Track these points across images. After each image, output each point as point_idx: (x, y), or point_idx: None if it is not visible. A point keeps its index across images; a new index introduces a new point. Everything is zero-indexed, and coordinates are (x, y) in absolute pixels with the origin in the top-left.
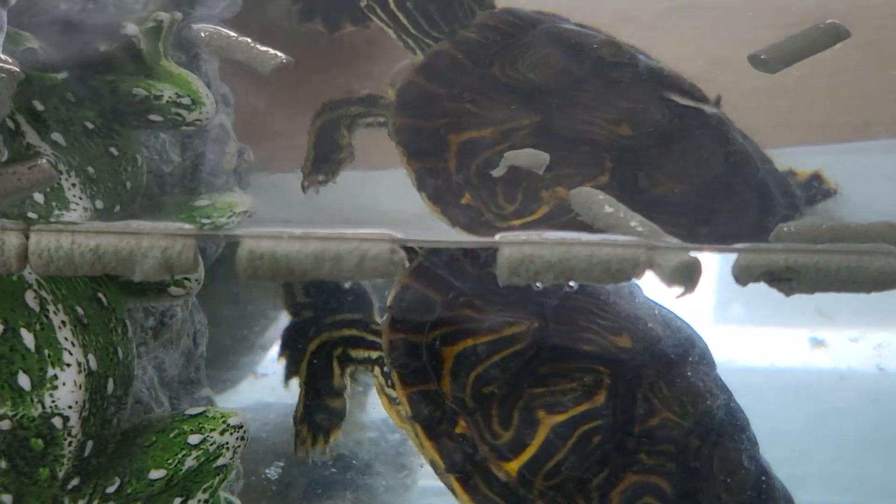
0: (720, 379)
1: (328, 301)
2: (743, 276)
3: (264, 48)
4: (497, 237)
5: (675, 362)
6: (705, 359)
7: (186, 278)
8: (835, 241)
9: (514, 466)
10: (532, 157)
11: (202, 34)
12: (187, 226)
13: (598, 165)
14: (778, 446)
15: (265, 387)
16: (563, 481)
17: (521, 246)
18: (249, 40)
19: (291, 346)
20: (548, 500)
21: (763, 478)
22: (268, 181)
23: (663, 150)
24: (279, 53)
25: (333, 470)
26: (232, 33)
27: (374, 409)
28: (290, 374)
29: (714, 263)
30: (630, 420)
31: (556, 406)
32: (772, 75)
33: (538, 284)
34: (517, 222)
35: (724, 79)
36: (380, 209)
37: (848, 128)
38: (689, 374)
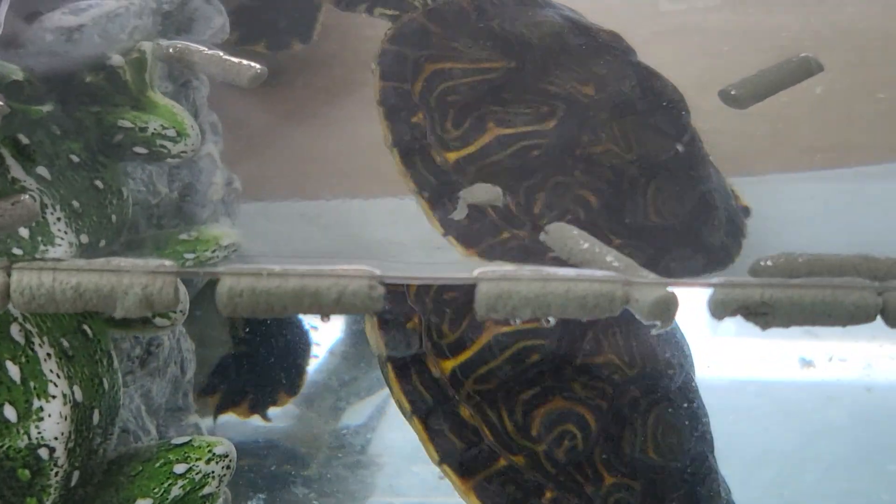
0: (693, 382)
1: (265, 339)
2: (718, 310)
3: (237, 60)
4: (475, 273)
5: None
6: (683, 353)
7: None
8: (811, 275)
9: (449, 365)
10: (487, 192)
11: (170, 50)
12: (168, 262)
13: (550, 113)
14: (768, 466)
15: None
16: (492, 389)
17: (498, 282)
18: (221, 53)
19: (224, 382)
20: (473, 403)
21: (704, 463)
22: (256, 210)
23: (618, 117)
24: (253, 64)
25: (309, 493)
26: (202, 48)
27: (355, 434)
28: (224, 407)
29: None
30: (574, 351)
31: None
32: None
33: (516, 321)
34: (452, 155)
35: (711, 103)
36: (368, 239)
37: (832, 153)
38: (651, 338)
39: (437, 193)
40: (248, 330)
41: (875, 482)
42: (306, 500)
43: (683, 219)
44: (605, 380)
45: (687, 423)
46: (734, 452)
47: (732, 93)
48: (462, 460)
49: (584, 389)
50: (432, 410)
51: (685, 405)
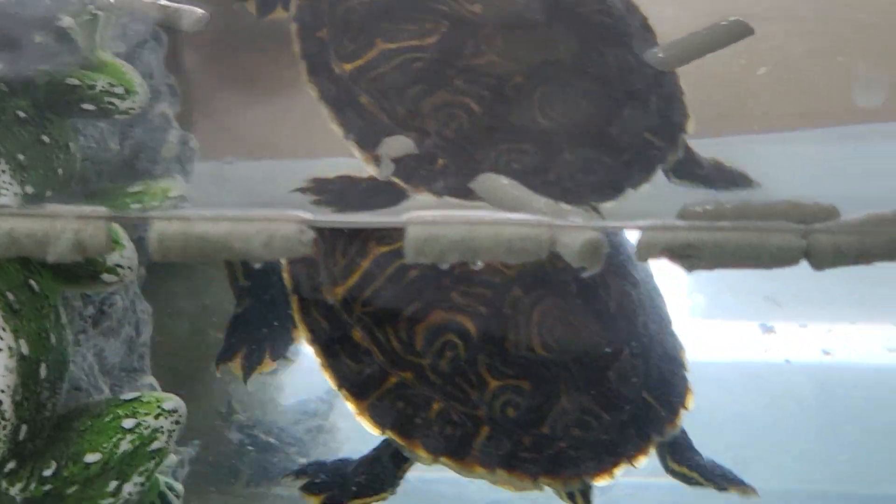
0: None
1: (264, 282)
2: (643, 252)
3: (177, 5)
4: (404, 217)
5: None
6: None
7: (119, 265)
8: (739, 219)
9: (340, 291)
10: (401, 144)
11: (111, 0)
12: (101, 208)
13: (433, 30)
14: (724, 432)
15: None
16: (378, 310)
17: (427, 226)
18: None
19: (240, 343)
20: (363, 325)
21: (611, 351)
22: (212, 169)
23: (505, 32)
24: (196, 9)
25: (274, 459)
26: None
27: (318, 402)
28: (251, 367)
29: None
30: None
31: (385, 238)
32: (714, 64)
33: (444, 265)
34: (347, 66)
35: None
36: None
37: (792, 116)
38: None
39: (338, 100)
40: (247, 278)
41: (829, 444)
42: (265, 460)
43: (579, 120)
44: (483, 284)
45: (580, 313)
46: (693, 417)
47: (660, 55)
48: (355, 382)
49: (463, 297)
50: (329, 337)
51: (580, 295)
